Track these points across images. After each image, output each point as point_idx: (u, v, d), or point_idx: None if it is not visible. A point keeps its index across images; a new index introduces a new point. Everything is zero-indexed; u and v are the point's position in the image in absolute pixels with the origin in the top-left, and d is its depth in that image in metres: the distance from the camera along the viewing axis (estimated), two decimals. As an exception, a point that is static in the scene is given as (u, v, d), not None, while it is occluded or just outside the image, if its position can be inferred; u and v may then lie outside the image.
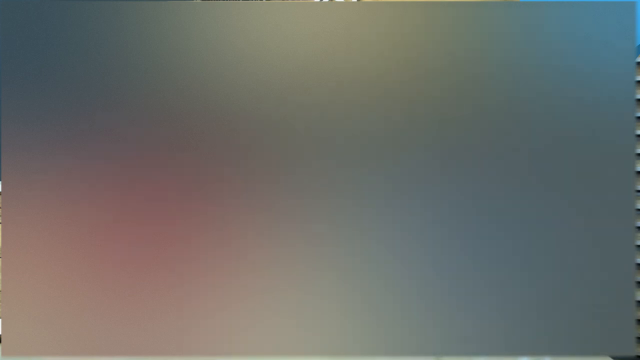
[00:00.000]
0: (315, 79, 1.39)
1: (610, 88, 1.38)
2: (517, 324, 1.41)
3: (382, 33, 1.39)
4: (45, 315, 1.42)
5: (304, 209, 1.40)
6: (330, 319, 1.42)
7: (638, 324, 1.74)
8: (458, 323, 1.41)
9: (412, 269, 1.41)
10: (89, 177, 1.40)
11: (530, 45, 1.39)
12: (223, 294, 1.42)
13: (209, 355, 1.43)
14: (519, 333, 1.41)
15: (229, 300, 1.42)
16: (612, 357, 1.72)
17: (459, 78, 1.39)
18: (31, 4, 1.38)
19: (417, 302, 1.41)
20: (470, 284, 1.41)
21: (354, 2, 1.41)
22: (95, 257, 1.41)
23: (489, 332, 1.41)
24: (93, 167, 1.40)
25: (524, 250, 1.40)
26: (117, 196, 1.40)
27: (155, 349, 1.42)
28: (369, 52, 1.39)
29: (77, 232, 1.40)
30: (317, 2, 1.39)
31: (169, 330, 1.42)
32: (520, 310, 1.41)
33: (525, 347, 1.42)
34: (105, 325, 1.42)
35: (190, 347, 1.42)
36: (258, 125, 1.40)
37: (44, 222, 1.40)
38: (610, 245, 1.40)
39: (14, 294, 1.41)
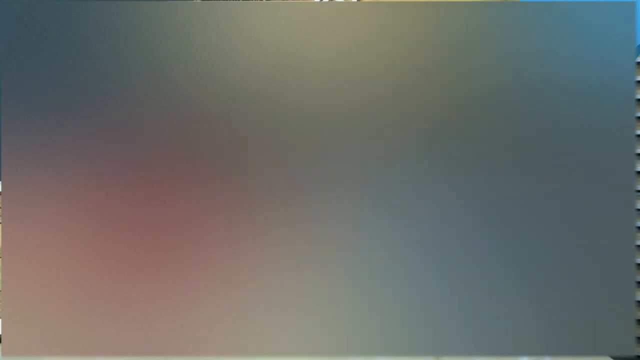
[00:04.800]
0: (315, 79, 1.39)
1: (610, 88, 1.38)
2: (517, 324, 1.41)
3: (382, 33, 1.39)
4: (46, 315, 1.42)
5: (304, 208, 1.40)
6: (330, 319, 1.42)
7: (638, 324, 1.74)
8: (458, 323, 1.41)
9: (412, 268, 1.41)
10: (89, 177, 1.40)
11: (530, 45, 1.39)
12: (223, 294, 1.42)
13: (209, 355, 1.43)
14: (519, 333, 1.41)
15: (230, 300, 1.42)
16: (612, 357, 1.72)
17: (459, 78, 1.39)
18: (31, 4, 1.38)
19: (417, 302, 1.41)
20: (470, 284, 1.41)
21: (354, 2, 1.41)
22: (95, 257, 1.41)
23: (489, 332, 1.41)
24: (93, 167, 1.40)
25: (524, 250, 1.40)
26: (118, 196, 1.40)
27: (155, 349, 1.42)
28: (369, 52, 1.39)
29: (77, 232, 1.40)
30: (317, 2, 1.39)
31: (169, 330, 1.42)
32: (520, 310, 1.41)
33: (525, 347, 1.42)
34: (105, 326, 1.42)
35: (190, 347, 1.42)
36: (258, 125, 1.40)
37: (44, 222, 1.40)
38: (610, 245, 1.40)
39: (14, 294, 1.41)
